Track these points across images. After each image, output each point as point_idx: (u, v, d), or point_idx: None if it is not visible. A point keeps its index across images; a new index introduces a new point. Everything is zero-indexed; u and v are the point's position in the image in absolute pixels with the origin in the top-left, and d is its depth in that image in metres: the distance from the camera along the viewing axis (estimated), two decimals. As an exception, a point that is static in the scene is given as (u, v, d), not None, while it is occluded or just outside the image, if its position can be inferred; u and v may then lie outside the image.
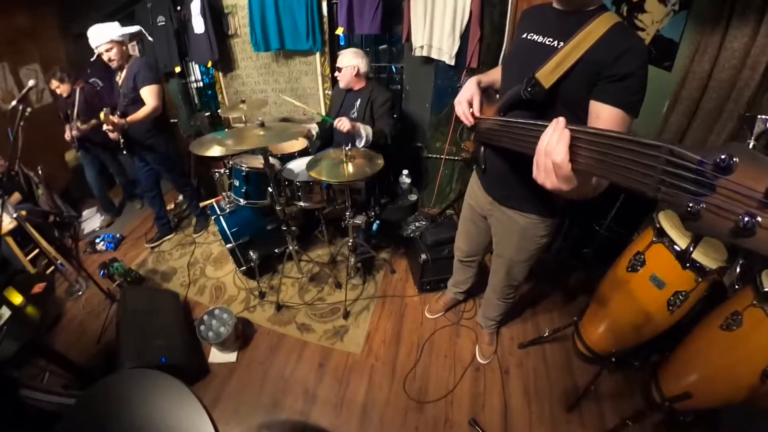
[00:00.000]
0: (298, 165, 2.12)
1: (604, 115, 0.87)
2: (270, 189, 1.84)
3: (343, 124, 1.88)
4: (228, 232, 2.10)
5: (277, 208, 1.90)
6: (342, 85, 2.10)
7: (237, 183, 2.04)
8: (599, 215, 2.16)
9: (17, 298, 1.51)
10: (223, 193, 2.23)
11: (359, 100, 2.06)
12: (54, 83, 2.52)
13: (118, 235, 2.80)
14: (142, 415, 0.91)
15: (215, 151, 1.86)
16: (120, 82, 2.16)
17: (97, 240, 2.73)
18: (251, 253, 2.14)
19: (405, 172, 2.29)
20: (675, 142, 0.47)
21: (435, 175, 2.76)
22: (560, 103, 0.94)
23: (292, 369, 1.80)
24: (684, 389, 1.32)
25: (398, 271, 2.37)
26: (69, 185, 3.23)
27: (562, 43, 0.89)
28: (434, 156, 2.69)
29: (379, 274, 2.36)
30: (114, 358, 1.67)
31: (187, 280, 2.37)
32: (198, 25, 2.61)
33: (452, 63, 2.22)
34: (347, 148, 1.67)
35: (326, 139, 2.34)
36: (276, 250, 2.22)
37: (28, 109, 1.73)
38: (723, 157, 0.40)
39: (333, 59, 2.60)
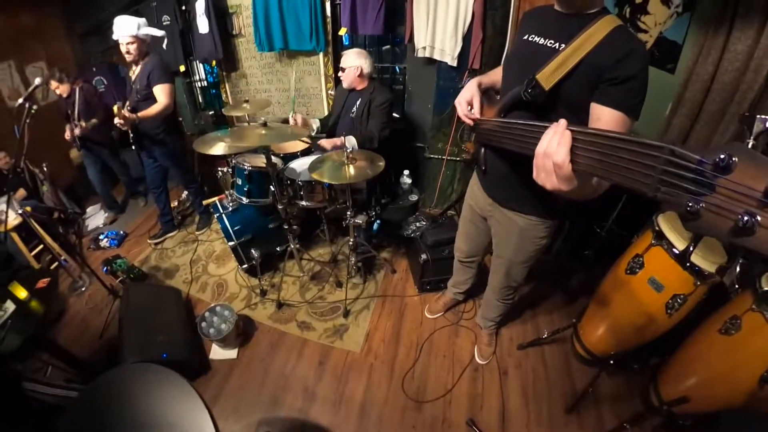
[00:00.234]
0: (300, 164, 2.13)
1: (605, 118, 0.88)
2: (272, 188, 1.86)
3: (324, 143, 2.02)
4: (230, 230, 2.12)
5: (279, 206, 1.92)
6: (345, 85, 2.11)
7: (240, 181, 2.06)
8: (600, 217, 2.16)
9: (22, 293, 1.53)
10: (226, 192, 2.24)
11: (359, 100, 2.07)
12: (53, 83, 2.53)
13: (121, 232, 2.83)
14: (144, 409, 0.93)
15: (218, 149, 1.88)
16: (134, 78, 2.19)
17: (101, 236, 2.76)
18: (253, 251, 2.15)
19: (406, 172, 2.30)
20: (675, 142, 0.47)
21: (437, 176, 2.76)
22: (560, 105, 0.95)
23: (292, 367, 1.82)
24: (682, 393, 1.32)
25: (399, 271, 2.38)
26: (73, 182, 3.26)
27: (563, 45, 0.90)
28: (436, 157, 2.70)
29: (380, 274, 2.36)
30: (116, 354, 1.69)
31: (190, 277, 2.39)
32: (202, 24, 2.64)
33: (454, 64, 2.23)
34: (348, 151, 1.68)
35: (329, 135, 2.35)
36: (278, 249, 2.24)
37: (34, 107, 1.75)
38: (722, 156, 0.40)
39: (336, 59, 2.62)
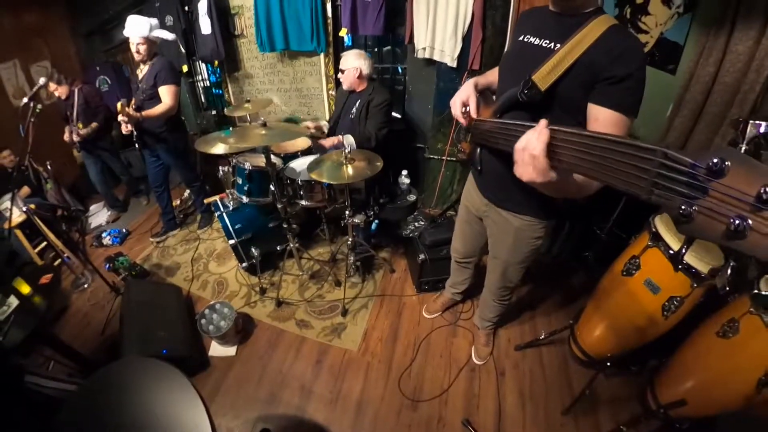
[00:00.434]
0: (300, 164, 2.15)
1: (602, 118, 0.87)
2: (272, 187, 1.87)
3: (324, 143, 2.06)
4: (231, 228, 2.14)
5: (279, 206, 1.93)
6: (345, 86, 2.12)
7: (240, 181, 2.08)
8: (601, 219, 2.15)
9: (25, 288, 1.57)
10: (227, 191, 2.26)
11: (359, 101, 2.08)
12: (51, 86, 2.54)
13: (124, 230, 2.86)
14: (141, 402, 0.94)
15: (219, 148, 1.89)
16: (140, 77, 2.21)
17: (104, 234, 2.79)
18: (253, 250, 2.17)
19: (404, 172, 2.30)
20: (669, 146, 0.48)
21: (436, 176, 2.77)
22: (557, 106, 0.95)
23: (290, 364, 1.83)
24: (679, 396, 1.31)
25: (397, 271, 2.38)
26: (77, 180, 3.31)
27: (558, 46, 0.90)
28: (436, 157, 2.70)
29: (379, 273, 2.37)
30: (117, 349, 1.72)
31: (191, 275, 2.41)
32: (205, 25, 2.66)
33: (454, 65, 2.23)
34: (347, 151, 1.69)
35: (329, 135, 2.36)
36: (278, 248, 2.25)
37: (39, 106, 1.77)
38: (715, 160, 0.40)
39: (337, 60, 2.63)
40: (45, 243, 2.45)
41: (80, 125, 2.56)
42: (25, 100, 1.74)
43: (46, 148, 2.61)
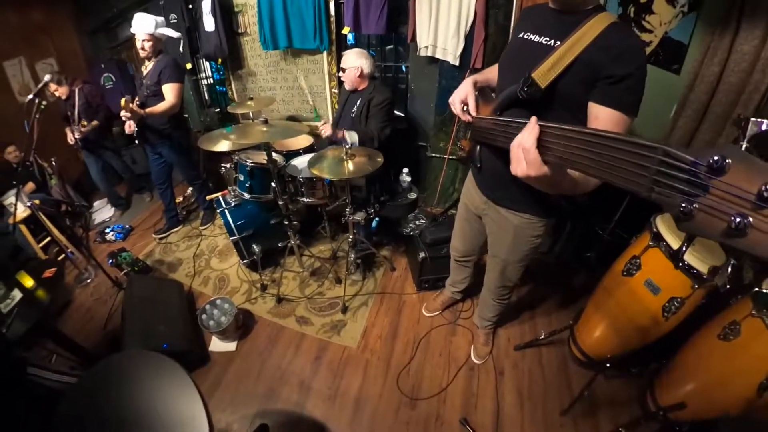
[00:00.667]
0: (302, 161, 2.15)
1: (602, 117, 0.87)
2: (273, 184, 1.88)
3: (324, 130, 2.00)
4: (232, 225, 2.15)
5: (280, 202, 1.94)
6: (347, 86, 2.11)
7: (242, 177, 2.09)
8: (603, 219, 2.14)
9: (28, 282, 1.58)
10: (229, 188, 2.28)
11: (359, 99, 2.08)
12: (52, 86, 2.53)
13: (127, 226, 2.89)
14: (140, 394, 0.95)
15: (222, 145, 1.90)
16: (145, 73, 2.23)
17: (107, 230, 2.82)
18: (254, 246, 2.18)
19: (405, 170, 2.30)
20: (669, 143, 0.48)
21: (438, 175, 2.76)
22: (557, 103, 0.94)
23: (290, 360, 1.84)
24: (679, 399, 1.30)
25: (398, 269, 2.39)
26: (81, 176, 3.34)
27: (558, 43, 0.90)
28: (438, 156, 2.70)
29: (379, 271, 2.38)
30: (119, 343, 1.73)
31: (192, 271, 2.43)
32: (208, 23, 2.67)
33: (457, 63, 2.23)
34: (347, 147, 1.70)
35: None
36: (279, 244, 2.26)
37: (43, 103, 1.79)
38: (716, 158, 0.40)
39: (340, 58, 2.63)
40: (49, 238, 2.48)
41: (84, 123, 2.58)
42: (30, 97, 1.76)
43: (51, 144, 2.64)
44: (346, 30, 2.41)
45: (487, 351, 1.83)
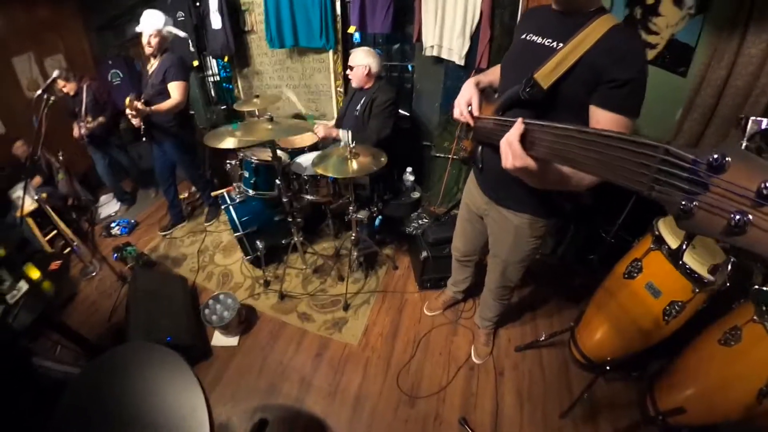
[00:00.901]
0: (306, 159, 2.17)
1: (604, 120, 0.88)
2: (278, 181, 1.89)
3: (317, 131, 2.07)
4: (237, 221, 2.17)
5: (284, 200, 1.95)
6: (354, 84, 2.12)
7: (247, 174, 2.11)
8: (607, 221, 2.13)
9: (35, 274, 1.61)
10: (234, 184, 2.29)
11: (363, 98, 2.09)
12: (60, 82, 2.56)
13: (132, 221, 2.92)
14: (142, 385, 0.96)
15: (227, 143, 1.92)
16: (150, 71, 2.25)
17: (112, 224, 2.85)
18: (258, 243, 2.20)
19: (409, 169, 2.31)
20: (670, 142, 0.48)
21: (442, 175, 2.77)
22: (559, 104, 0.95)
23: (291, 356, 1.85)
24: (679, 403, 1.30)
25: (400, 268, 2.39)
26: (88, 171, 3.37)
27: (561, 45, 0.90)
28: (442, 155, 2.70)
29: (382, 270, 2.38)
30: (123, 336, 1.75)
31: (197, 266, 2.45)
32: (215, 20, 2.69)
33: (462, 63, 2.23)
34: (351, 146, 1.71)
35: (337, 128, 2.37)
36: (282, 241, 2.28)
37: (52, 98, 1.82)
38: (716, 156, 0.41)
39: (346, 57, 2.64)
40: (55, 231, 2.51)
41: (89, 119, 2.60)
42: (39, 92, 1.78)
43: (58, 139, 2.65)
44: (352, 29, 2.42)
45: (488, 351, 1.83)
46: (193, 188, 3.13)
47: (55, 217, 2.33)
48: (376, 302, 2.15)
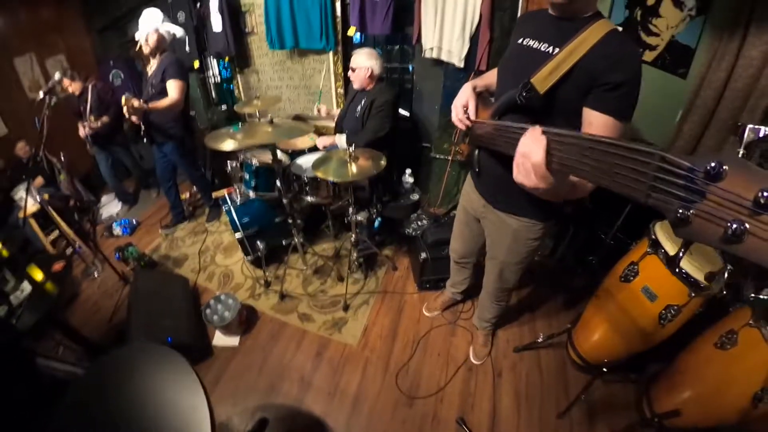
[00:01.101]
0: (306, 161, 2.18)
1: (596, 123, 0.89)
2: (278, 183, 1.90)
3: (318, 144, 2.17)
4: (237, 222, 2.18)
5: (284, 201, 1.96)
6: (356, 86, 2.12)
7: (247, 176, 2.12)
8: (606, 223, 2.13)
9: (38, 275, 1.62)
10: (235, 185, 2.31)
11: (364, 100, 2.09)
12: (65, 82, 2.60)
13: (134, 221, 2.93)
14: (144, 385, 0.98)
15: (227, 144, 1.92)
16: (150, 72, 2.26)
17: (114, 225, 2.87)
18: (259, 244, 2.21)
19: (408, 171, 2.32)
20: (666, 149, 0.48)
21: (442, 176, 2.77)
22: (555, 109, 0.95)
23: (291, 356, 1.87)
24: (675, 406, 1.30)
25: (400, 269, 2.40)
26: (90, 172, 3.39)
27: (557, 50, 0.90)
28: (442, 157, 2.70)
29: (381, 270, 2.39)
30: (124, 336, 1.77)
31: (198, 267, 2.47)
32: (216, 21, 2.70)
33: (461, 65, 2.23)
34: (351, 149, 1.71)
35: (337, 131, 2.38)
36: (283, 242, 2.29)
37: (53, 99, 1.83)
38: (713, 164, 0.41)
39: (346, 58, 2.65)
40: (57, 232, 2.53)
41: (92, 118, 2.62)
42: (41, 95, 1.80)
43: (60, 140, 2.68)
44: (352, 30, 2.42)
45: (486, 352, 1.84)
46: (195, 188, 3.15)
47: (57, 218, 2.35)
48: (376, 303, 2.17)
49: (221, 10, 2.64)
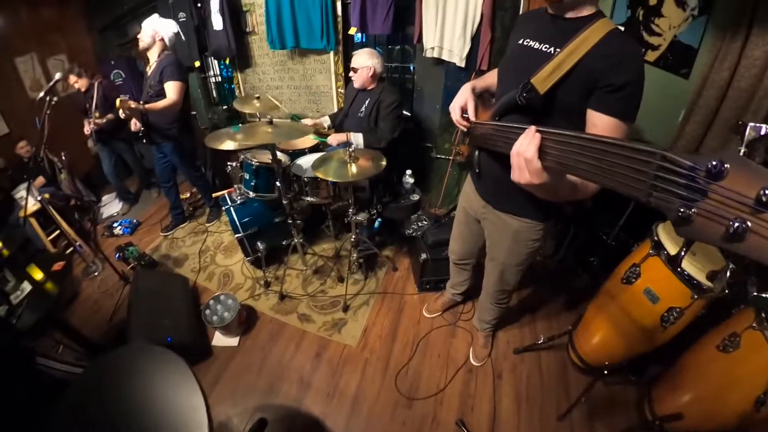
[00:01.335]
0: (307, 161, 2.17)
1: (600, 124, 0.88)
2: (278, 183, 1.90)
3: (331, 140, 2.08)
4: (237, 222, 2.18)
5: (284, 201, 1.96)
6: (356, 85, 2.12)
7: (247, 176, 2.11)
8: (607, 224, 2.12)
9: (38, 274, 1.63)
10: (235, 186, 2.31)
11: (368, 100, 2.09)
12: (72, 78, 2.62)
13: (134, 221, 2.94)
14: (142, 386, 0.98)
15: (228, 145, 1.92)
16: (149, 73, 2.27)
17: (115, 224, 2.87)
18: (259, 244, 2.21)
19: (408, 171, 2.31)
20: (667, 148, 0.48)
21: (443, 176, 2.76)
22: (555, 109, 0.94)
23: (290, 357, 1.86)
24: (677, 409, 1.29)
25: (400, 269, 2.39)
26: (90, 171, 3.40)
27: (558, 50, 0.89)
28: (443, 157, 2.70)
29: (381, 271, 2.39)
30: (124, 336, 1.77)
31: (198, 267, 2.47)
32: (217, 21, 2.70)
33: (463, 65, 2.22)
34: (350, 150, 1.71)
35: (337, 132, 2.38)
36: (283, 242, 2.29)
37: (54, 99, 1.83)
38: (714, 163, 0.41)
39: (346, 58, 2.64)
40: (58, 231, 2.54)
41: (97, 113, 2.63)
42: (42, 94, 1.80)
43: (61, 140, 2.69)
44: (352, 30, 2.42)
45: (486, 353, 1.83)
46: (195, 189, 3.15)
47: (58, 218, 2.35)
48: (376, 304, 2.16)
49: (222, 11, 2.64)
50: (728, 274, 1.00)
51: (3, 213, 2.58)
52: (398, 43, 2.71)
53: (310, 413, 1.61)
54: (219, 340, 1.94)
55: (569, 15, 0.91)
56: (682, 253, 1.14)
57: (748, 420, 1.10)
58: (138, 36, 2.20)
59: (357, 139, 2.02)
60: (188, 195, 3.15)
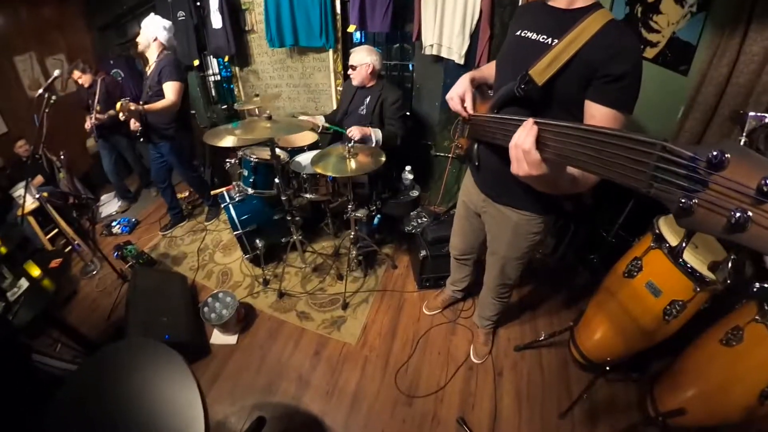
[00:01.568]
0: (306, 158, 2.17)
1: (599, 115, 0.88)
2: (276, 180, 1.89)
3: (353, 133, 1.98)
4: (236, 219, 2.17)
5: (283, 198, 1.95)
6: (355, 82, 2.12)
7: (246, 173, 2.11)
8: (607, 221, 2.12)
9: (35, 271, 1.62)
10: (234, 183, 2.30)
11: (369, 97, 2.08)
12: (76, 74, 2.66)
13: (133, 220, 2.93)
14: (139, 381, 0.97)
15: (226, 141, 1.92)
16: (148, 73, 2.27)
17: (113, 223, 2.86)
18: (257, 241, 2.20)
19: (408, 168, 2.30)
20: (668, 139, 0.48)
21: (442, 173, 2.76)
22: (554, 101, 0.94)
23: (289, 355, 1.85)
24: (680, 405, 1.29)
25: (399, 267, 2.39)
26: (89, 170, 3.39)
27: (556, 41, 0.89)
28: (442, 154, 2.70)
29: (381, 269, 2.38)
30: (122, 334, 1.76)
31: (196, 265, 2.46)
32: (216, 20, 2.70)
33: (462, 62, 2.22)
34: (350, 145, 1.70)
35: (337, 133, 2.38)
36: (282, 240, 2.28)
37: (53, 97, 1.83)
38: (715, 153, 0.40)
39: (345, 56, 2.64)
40: (56, 230, 2.53)
41: (98, 108, 2.63)
42: (40, 91, 1.80)
43: (60, 138, 2.68)
44: (351, 28, 2.42)
45: (487, 351, 1.82)
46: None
47: (56, 216, 2.34)
48: (375, 301, 2.15)
49: (221, 9, 2.64)
50: (729, 264, 1.00)
51: (1, 211, 2.57)
52: (397, 41, 2.72)
53: (309, 411, 1.60)
54: (217, 338, 1.92)
55: (567, 6, 0.91)
56: (684, 244, 1.14)
57: (752, 414, 1.09)
58: (137, 39, 2.21)
59: (377, 134, 2.02)
60: (187, 194, 3.15)
